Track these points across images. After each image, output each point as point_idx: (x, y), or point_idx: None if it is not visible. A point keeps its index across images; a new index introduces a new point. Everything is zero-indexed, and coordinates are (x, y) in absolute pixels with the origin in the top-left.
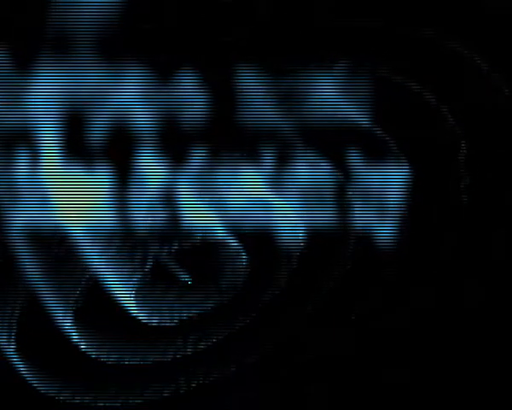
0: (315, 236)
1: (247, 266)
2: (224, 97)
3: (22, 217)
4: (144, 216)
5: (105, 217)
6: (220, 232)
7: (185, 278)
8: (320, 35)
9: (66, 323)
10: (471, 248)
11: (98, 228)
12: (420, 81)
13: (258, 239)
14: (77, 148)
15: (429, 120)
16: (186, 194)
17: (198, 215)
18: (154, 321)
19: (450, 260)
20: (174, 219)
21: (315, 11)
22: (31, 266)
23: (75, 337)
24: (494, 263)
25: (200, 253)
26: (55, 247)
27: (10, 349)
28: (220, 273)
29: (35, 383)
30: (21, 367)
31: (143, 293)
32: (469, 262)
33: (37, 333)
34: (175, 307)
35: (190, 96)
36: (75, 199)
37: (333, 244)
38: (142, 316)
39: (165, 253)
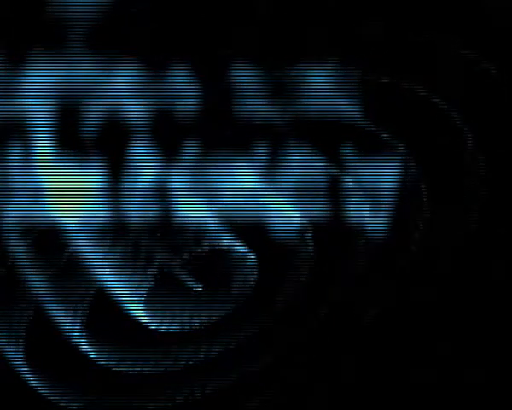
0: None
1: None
2: (217, 92)
3: (15, 211)
4: (138, 210)
5: (98, 211)
6: (214, 226)
7: (195, 284)
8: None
9: (72, 328)
10: (477, 248)
11: (92, 222)
12: (424, 84)
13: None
14: (70, 142)
15: (432, 118)
16: (180, 188)
17: (192, 209)
18: (155, 324)
19: (457, 260)
20: (168, 212)
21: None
22: (26, 264)
23: (82, 343)
24: (503, 263)
25: (202, 257)
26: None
27: (18, 358)
28: (224, 277)
29: (41, 389)
30: (29, 375)
31: (141, 294)
32: (476, 262)
33: (44, 341)
34: (180, 312)
35: (183, 91)
36: (68, 193)
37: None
38: (140, 317)
39: (167, 254)
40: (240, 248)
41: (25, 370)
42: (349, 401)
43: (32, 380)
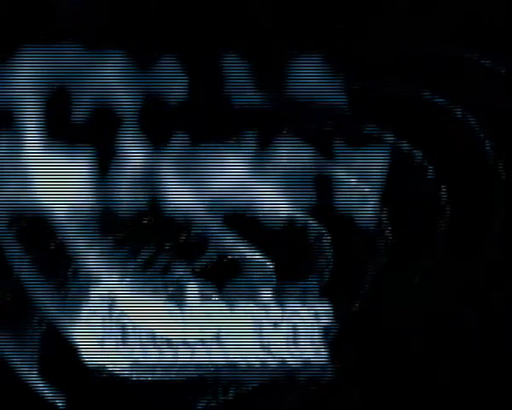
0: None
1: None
2: (207, 83)
3: (4, 200)
4: (127, 199)
5: (87, 200)
6: (204, 215)
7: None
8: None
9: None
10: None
11: (80, 211)
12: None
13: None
14: (59, 131)
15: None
16: (169, 176)
17: (181, 198)
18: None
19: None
20: (157, 201)
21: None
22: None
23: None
24: None
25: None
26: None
27: (33, 374)
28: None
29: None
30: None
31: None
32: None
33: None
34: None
35: (172, 80)
36: (57, 182)
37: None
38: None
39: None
40: (257, 256)
41: (40, 384)
42: None
43: (47, 393)
